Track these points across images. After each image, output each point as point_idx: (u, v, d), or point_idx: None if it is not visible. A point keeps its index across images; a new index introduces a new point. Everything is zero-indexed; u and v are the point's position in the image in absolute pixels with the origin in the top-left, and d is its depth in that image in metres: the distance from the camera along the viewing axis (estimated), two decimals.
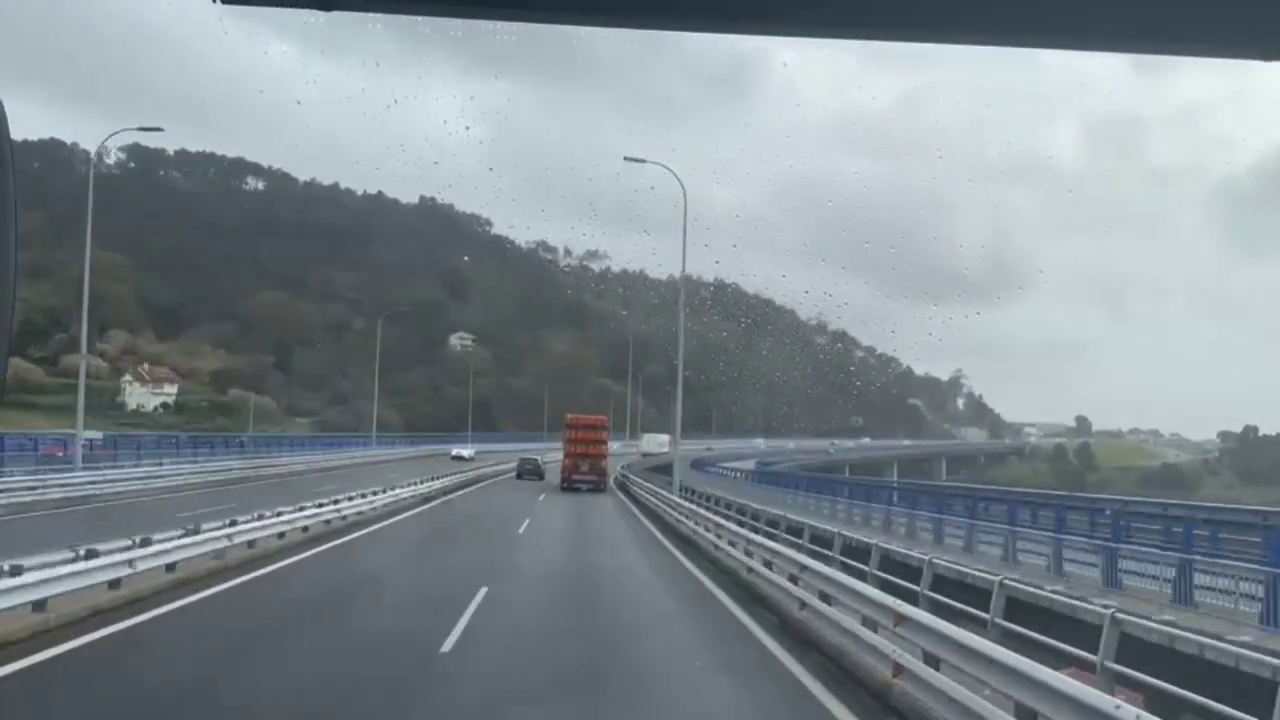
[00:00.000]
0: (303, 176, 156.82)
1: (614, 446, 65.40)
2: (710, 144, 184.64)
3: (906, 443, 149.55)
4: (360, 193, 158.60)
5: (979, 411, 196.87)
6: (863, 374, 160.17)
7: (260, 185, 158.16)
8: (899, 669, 10.13)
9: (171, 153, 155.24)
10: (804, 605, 14.46)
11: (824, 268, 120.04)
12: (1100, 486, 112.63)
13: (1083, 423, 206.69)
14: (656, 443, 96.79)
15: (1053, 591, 15.46)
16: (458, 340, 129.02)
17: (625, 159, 38.82)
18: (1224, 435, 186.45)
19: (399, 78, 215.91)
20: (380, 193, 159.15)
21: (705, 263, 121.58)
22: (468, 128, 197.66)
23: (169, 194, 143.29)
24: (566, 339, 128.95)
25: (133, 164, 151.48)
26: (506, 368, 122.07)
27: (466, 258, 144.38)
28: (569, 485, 52.07)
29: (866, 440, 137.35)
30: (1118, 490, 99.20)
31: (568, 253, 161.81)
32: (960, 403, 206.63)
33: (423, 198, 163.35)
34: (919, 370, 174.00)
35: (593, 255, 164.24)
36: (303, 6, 1.50)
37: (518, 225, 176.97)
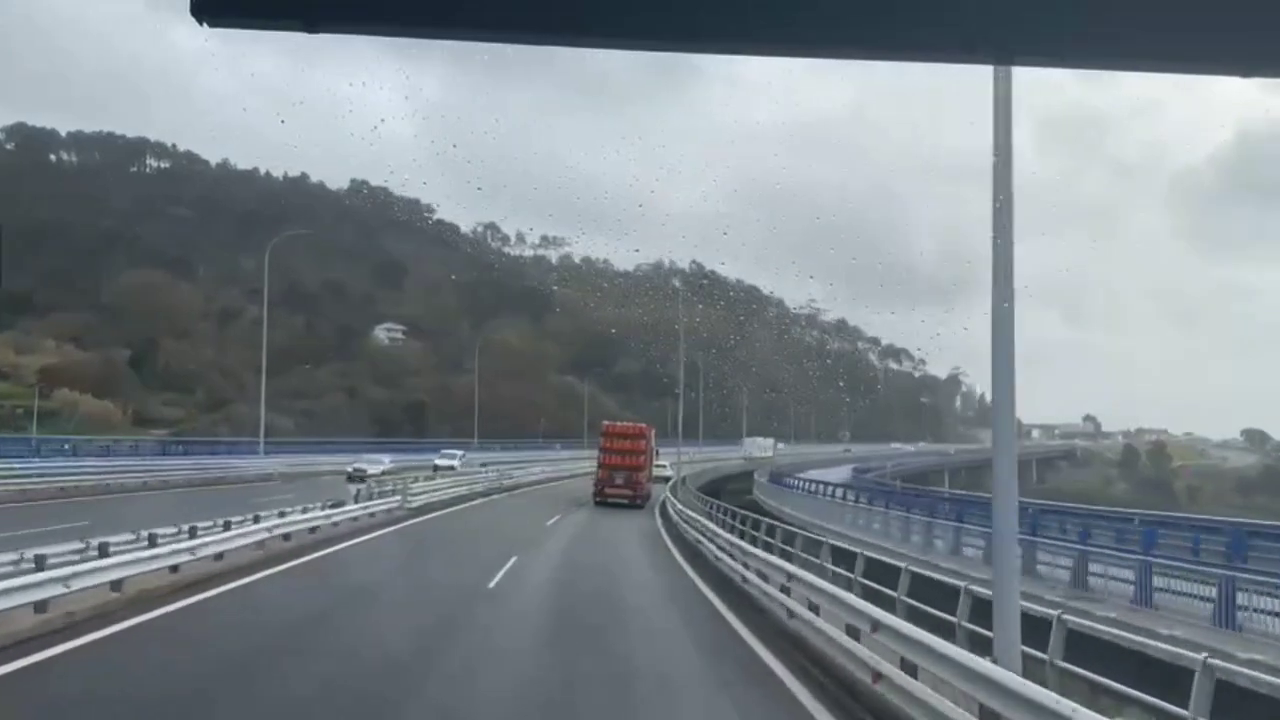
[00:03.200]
0: (216, 158, 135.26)
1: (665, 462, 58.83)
2: (657, 134, 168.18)
3: (952, 449, 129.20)
4: (282, 176, 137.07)
5: (983, 411, 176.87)
6: (866, 370, 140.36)
7: (164, 165, 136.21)
8: None
9: (64, 134, 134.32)
10: None
11: (792, 268, 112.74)
12: (1193, 496, 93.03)
13: (1092, 422, 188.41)
14: (760, 447, 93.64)
15: None
16: (384, 333, 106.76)
17: None
18: (1248, 434, 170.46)
19: (336, 60, 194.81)
20: (304, 175, 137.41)
21: (675, 250, 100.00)
22: (408, 103, 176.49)
23: (50, 174, 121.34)
24: (521, 331, 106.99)
25: (11, 145, 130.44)
26: (446, 364, 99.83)
27: (402, 243, 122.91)
28: (602, 500, 47.20)
29: (896, 445, 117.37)
30: (1217, 502, 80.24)
31: (521, 239, 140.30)
32: (958, 401, 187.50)
33: (354, 181, 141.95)
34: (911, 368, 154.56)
35: (551, 242, 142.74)
36: (287, 29, 1.53)
37: (464, 212, 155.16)
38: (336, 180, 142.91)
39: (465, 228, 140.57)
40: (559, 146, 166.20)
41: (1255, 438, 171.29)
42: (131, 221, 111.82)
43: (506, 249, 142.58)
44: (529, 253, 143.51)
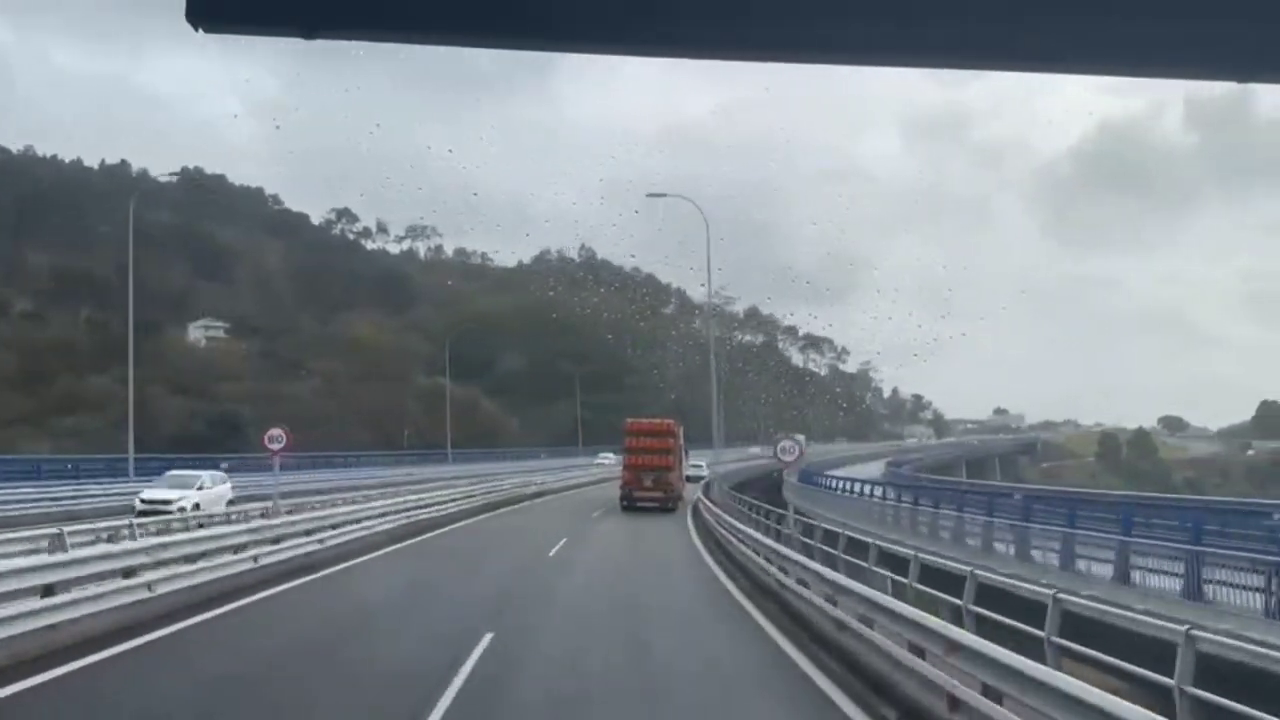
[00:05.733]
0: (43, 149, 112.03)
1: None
2: (530, 133, 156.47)
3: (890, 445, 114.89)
4: (98, 165, 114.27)
5: (896, 406, 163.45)
6: (785, 362, 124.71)
7: None
8: None
9: None
10: None
11: (686, 261, 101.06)
12: (1196, 488, 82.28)
13: (1011, 417, 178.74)
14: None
15: None
16: (201, 330, 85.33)
17: None
18: (1165, 420, 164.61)
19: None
20: (124, 161, 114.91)
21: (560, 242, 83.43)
22: (253, 93, 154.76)
23: None
24: (379, 325, 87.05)
25: None
26: (281, 365, 79.08)
27: (236, 233, 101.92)
28: (630, 505, 42.83)
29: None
30: (1228, 493, 70.68)
31: (383, 229, 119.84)
32: (868, 397, 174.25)
33: (185, 170, 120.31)
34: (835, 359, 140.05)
35: (419, 233, 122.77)
36: (285, 35, 1.53)
37: (316, 203, 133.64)
38: (163, 166, 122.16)
39: (317, 218, 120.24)
40: (427, 141, 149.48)
41: (1174, 424, 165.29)
42: None
43: (367, 242, 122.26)
44: (394, 246, 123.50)
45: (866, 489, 38.47)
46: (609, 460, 73.80)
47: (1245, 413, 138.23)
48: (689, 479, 50.14)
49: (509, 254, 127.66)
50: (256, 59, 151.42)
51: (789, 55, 1.61)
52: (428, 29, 1.52)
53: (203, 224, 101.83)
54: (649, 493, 43.20)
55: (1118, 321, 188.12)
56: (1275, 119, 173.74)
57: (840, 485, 42.36)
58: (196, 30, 1.45)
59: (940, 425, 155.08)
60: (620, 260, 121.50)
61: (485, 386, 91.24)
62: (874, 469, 68.90)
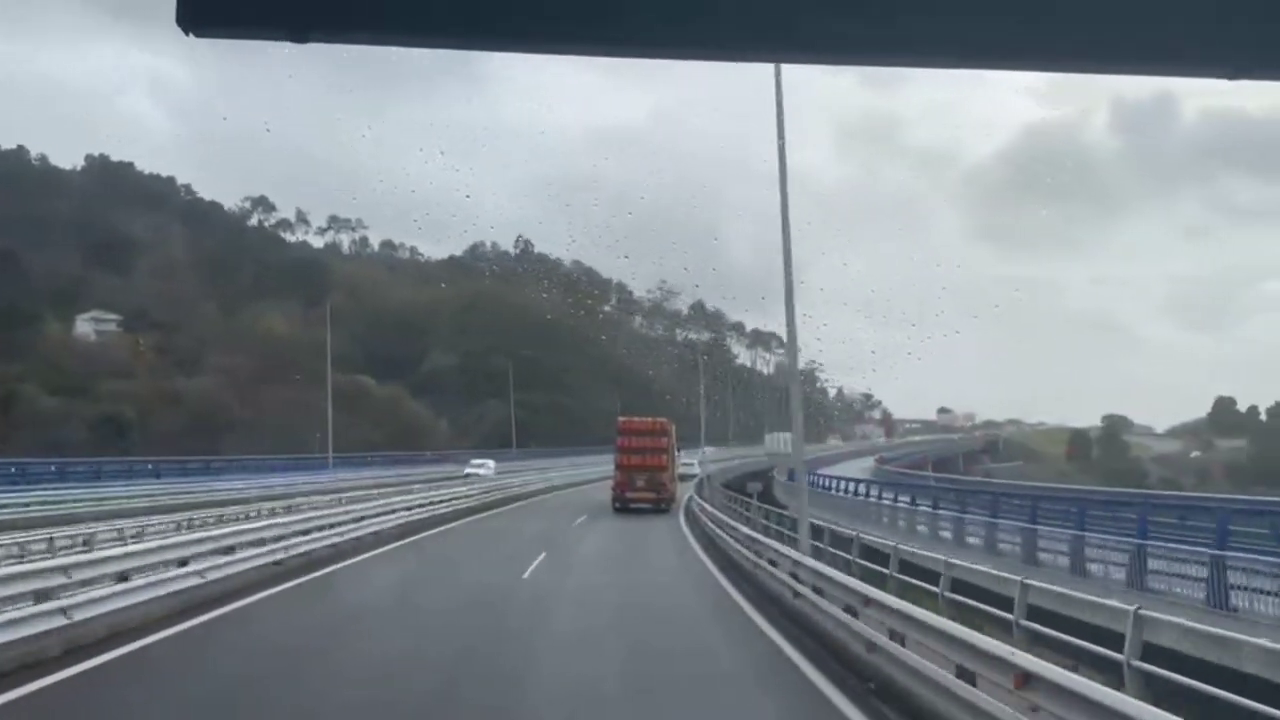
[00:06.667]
0: None
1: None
2: (459, 131, 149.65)
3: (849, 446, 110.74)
4: None
5: (846, 407, 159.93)
6: (730, 361, 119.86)
7: None
8: None
9: None
10: None
11: (625, 261, 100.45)
12: (1173, 487, 79.51)
13: (954, 416, 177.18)
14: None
15: None
16: (91, 323, 77.06)
17: None
18: (1108, 419, 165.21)
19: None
20: (20, 147, 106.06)
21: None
22: (168, 82, 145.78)
23: None
24: (292, 318, 79.70)
25: None
26: (182, 361, 71.43)
27: (139, 222, 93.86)
28: (623, 506, 41.57)
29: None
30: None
31: (303, 219, 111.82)
32: (819, 397, 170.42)
33: (89, 157, 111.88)
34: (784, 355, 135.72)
35: (343, 224, 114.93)
36: (276, 38, 1.52)
37: (232, 194, 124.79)
38: (70, 158, 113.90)
39: (231, 206, 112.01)
40: (354, 134, 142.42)
41: (1119, 423, 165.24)
42: None
43: (288, 234, 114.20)
44: (317, 239, 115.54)
45: (874, 491, 37.01)
46: (486, 470, 60.27)
47: (1184, 413, 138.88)
48: (681, 478, 49.84)
49: (441, 250, 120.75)
50: (185, 52, 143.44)
51: (741, 55, 1.62)
52: (423, 32, 1.49)
53: (105, 213, 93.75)
54: (642, 494, 42.58)
55: (1054, 323, 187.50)
56: (1197, 122, 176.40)
57: (836, 485, 41.36)
58: (186, 34, 1.42)
59: (890, 425, 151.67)
60: (559, 254, 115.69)
61: (411, 384, 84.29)
62: (858, 468, 67.71)
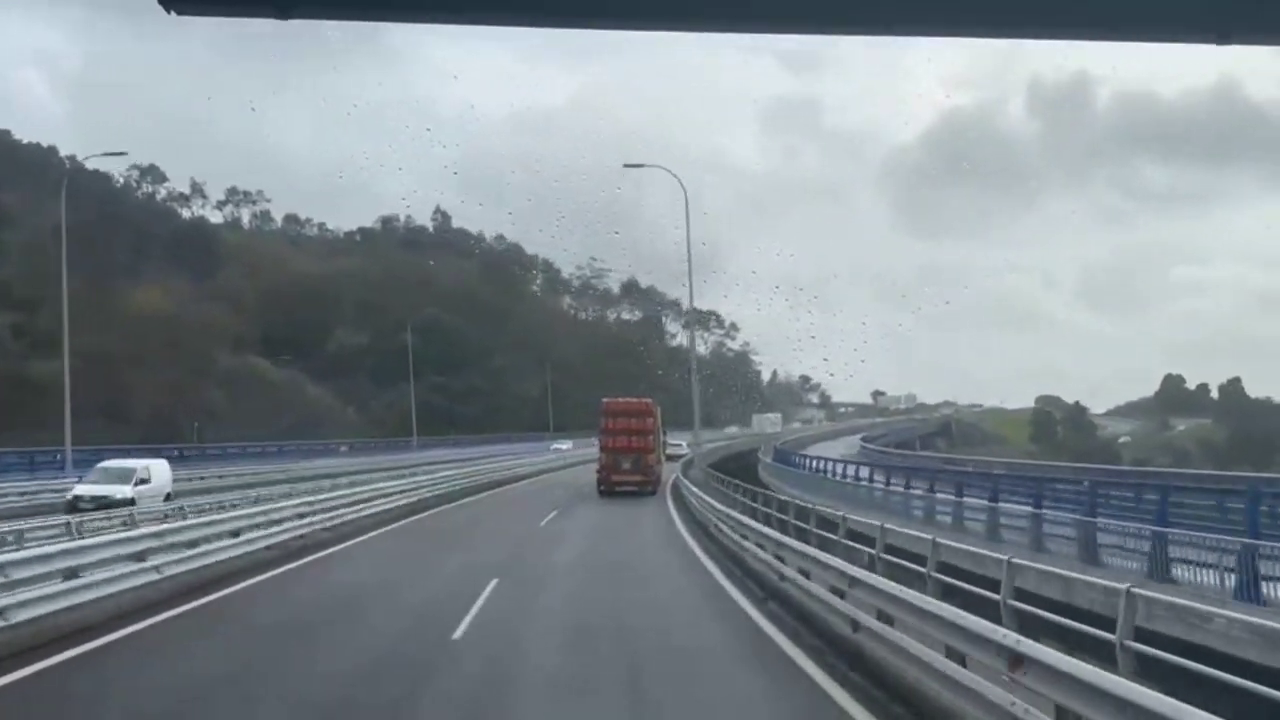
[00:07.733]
0: None
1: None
2: (372, 110, 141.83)
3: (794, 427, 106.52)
4: None
5: (785, 390, 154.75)
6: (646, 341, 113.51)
7: None
8: None
9: None
10: None
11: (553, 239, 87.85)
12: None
13: (889, 399, 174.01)
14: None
15: None
16: None
17: None
18: (1043, 399, 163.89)
19: None
20: None
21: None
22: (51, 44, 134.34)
23: None
24: (176, 293, 70.91)
25: None
26: (33, 343, 62.52)
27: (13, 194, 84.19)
28: (609, 490, 41.01)
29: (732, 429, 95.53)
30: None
31: (199, 191, 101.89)
32: (756, 379, 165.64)
33: None
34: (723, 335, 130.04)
35: (243, 197, 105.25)
36: (258, 15, 1.49)
37: (121, 165, 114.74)
38: None
39: (118, 178, 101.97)
40: (257, 108, 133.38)
41: (1054, 404, 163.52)
42: None
43: (183, 208, 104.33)
44: (215, 213, 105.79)
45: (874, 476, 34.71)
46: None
47: (1119, 394, 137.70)
48: (670, 457, 49.89)
49: (351, 225, 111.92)
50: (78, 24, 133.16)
51: (668, 25, 1.62)
52: (403, 8, 1.46)
53: None
54: (628, 477, 41.99)
55: (980, 307, 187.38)
56: (1111, 107, 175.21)
57: (821, 466, 40.28)
58: (169, 13, 1.39)
59: (829, 408, 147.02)
60: (480, 229, 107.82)
61: (311, 368, 75.97)
62: (837, 449, 67.58)
